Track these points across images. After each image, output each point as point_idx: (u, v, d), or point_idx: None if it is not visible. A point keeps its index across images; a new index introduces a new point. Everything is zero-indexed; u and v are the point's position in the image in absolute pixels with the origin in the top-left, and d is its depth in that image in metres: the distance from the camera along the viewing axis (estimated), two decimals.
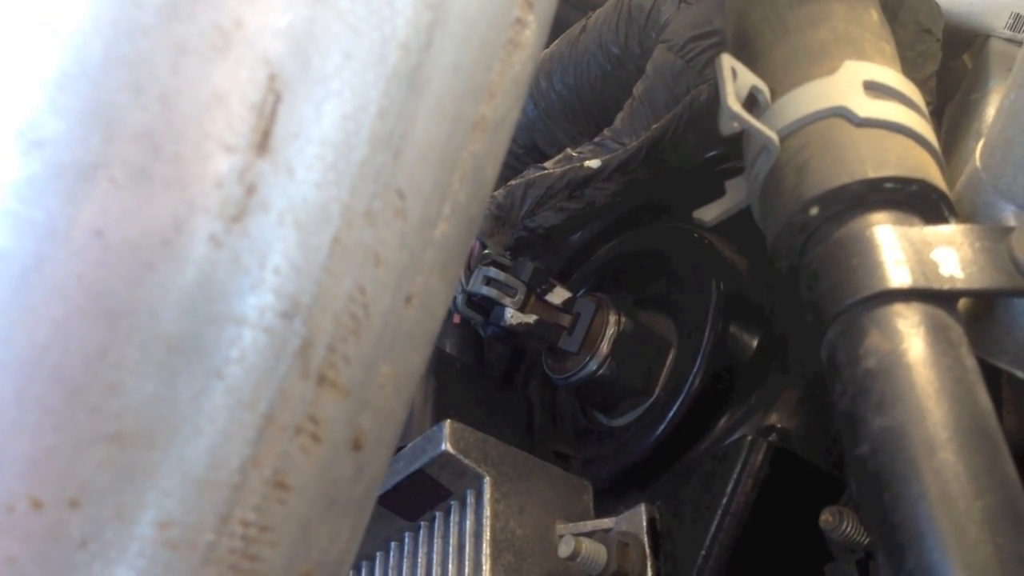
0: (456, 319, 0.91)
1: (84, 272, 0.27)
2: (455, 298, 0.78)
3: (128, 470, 0.28)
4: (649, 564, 0.64)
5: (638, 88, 0.79)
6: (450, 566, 0.67)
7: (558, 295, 0.79)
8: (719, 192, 0.63)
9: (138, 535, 0.28)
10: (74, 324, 0.27)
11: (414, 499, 0.71)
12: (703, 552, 0.63)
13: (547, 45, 0.92)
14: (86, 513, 0.27)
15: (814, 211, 0.51)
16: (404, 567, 0.73)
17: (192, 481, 0.29)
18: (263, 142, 0.30)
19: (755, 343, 0.75)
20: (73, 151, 0.27)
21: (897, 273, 0.46)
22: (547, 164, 0.81)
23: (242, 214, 0.29)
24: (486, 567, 0.64)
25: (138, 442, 0.28)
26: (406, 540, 0.74)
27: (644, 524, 0.66)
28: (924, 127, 0.54)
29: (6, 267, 0.27)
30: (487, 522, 0.65)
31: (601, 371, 0.77)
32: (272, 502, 0.31)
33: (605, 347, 0.77)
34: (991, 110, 0.68)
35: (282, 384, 0.30)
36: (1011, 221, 0.51)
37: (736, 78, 0.55)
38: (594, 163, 0.78)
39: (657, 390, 0.77)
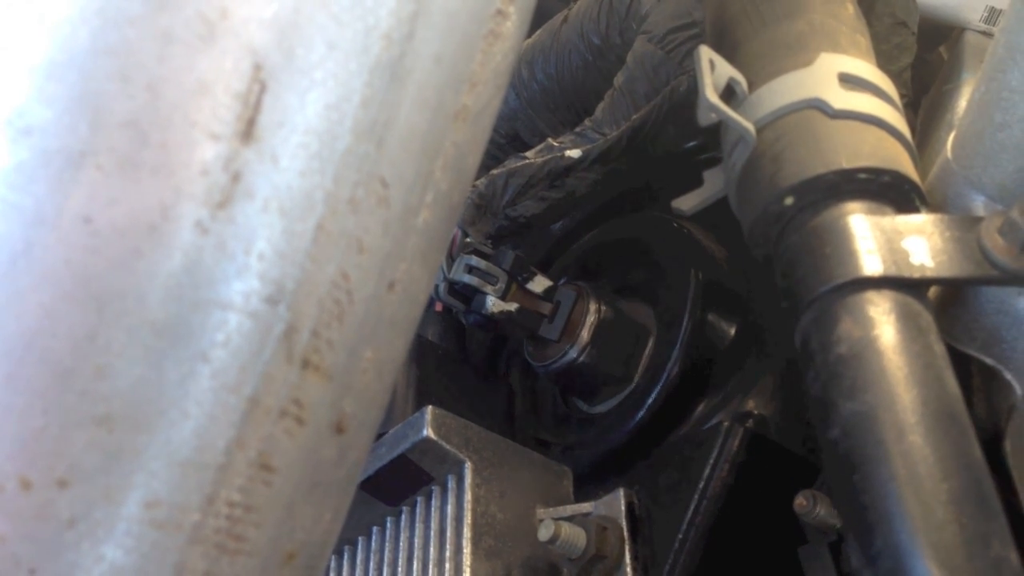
0: (438, 307, 0.92)
1: (72, 257, 0.28)
2: (437, 286, 0.79)
3: (116, 451, 0.28)
4: (627, 547, 0.65)
5: (619, 79, 0.79)
6: (431, 550, 0.68)
7: (539, 283, 0.80)
8: (697, 182, 0.64)
9: (125, 515, 0.28)
10: (62, 309, 0.28)
11: (396, 484, 0.72)
12: (680, 535, 0.64)
13: (529, 35, 0.93)
14: (74, 493, 0.28)
15: (789, 200, 0.52)
16: (386, 551, 0.74)
17: (178, 462, 0.29)
18: (248, 130, 0.30)
19: (732, 331, 0.76)
20: (61, 138, 0.28)
21: (869, 261, 0.47)
22: (528, 154, 0.82)
23: (227, 201, 0.30)
24: (467, 551, 0.65)
25: (125, 424, 0.28)
26: (388, 525, 0.75)
27: (623, 508, 0.67)
28: (897, 119, 0.55)
29: None
30: (468, 507, 0.66)
31: (581, 359, 0.78)
32: (257, 483, 0.31)
33: (585, 335, 0.78)
34: (963, 102, 0.70)
35: (267, 368, 0.31)
36: (980, 211, 0.52)
37: (714, 70, 0.56)
38: (575, 153, 0.78)
39: (636, 377, 0.78)
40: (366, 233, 0.33)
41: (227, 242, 0.30)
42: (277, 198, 0.31)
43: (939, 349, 0.46)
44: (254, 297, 0.30)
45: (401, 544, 0.72)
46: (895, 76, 0.62)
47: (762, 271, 0.57)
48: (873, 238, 0.48)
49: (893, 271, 0.47)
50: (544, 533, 0.65)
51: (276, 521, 0.32)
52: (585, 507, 0.69)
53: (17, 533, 0.27)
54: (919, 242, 0.48)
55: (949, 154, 0.54)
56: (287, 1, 0.31)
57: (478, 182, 0.81)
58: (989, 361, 0.51)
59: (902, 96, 0.59)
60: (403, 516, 0.74)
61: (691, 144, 0.77)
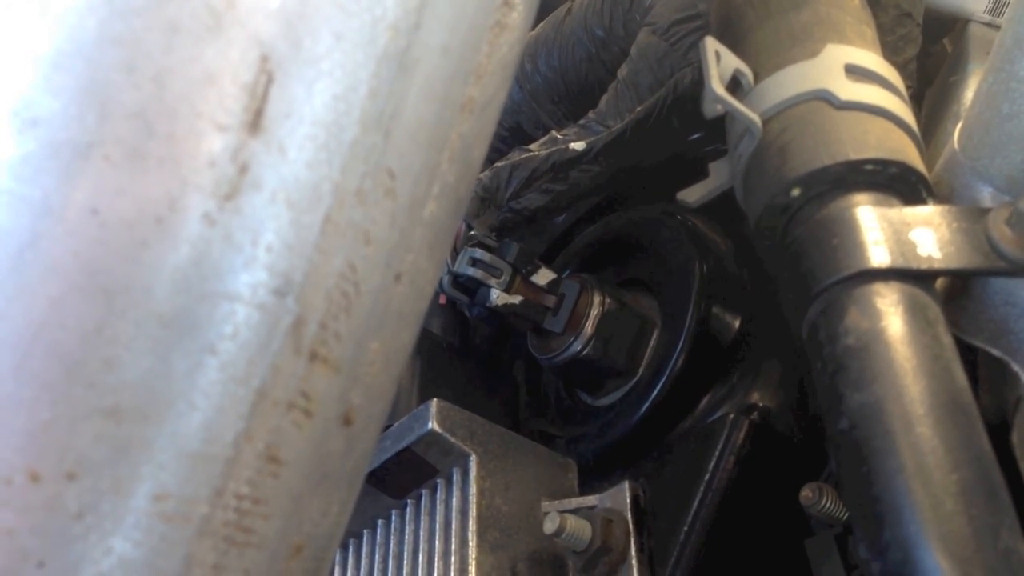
0: (442, 300, 0.92)
1: (80, 249, 0.28)
2: (441, 279, 0.78)
3: (124, 444, 0.28)
4: (633, 540, 0.65)
5: (623, 71, 0.79)
6: (437, 543, 0.68)
7: (543, 276, 0.79)
8: (703, 174, 0.64)
9: (134, 507, 0.28)
10: (70, 301, 0.27)
11: (401, 477, 0.72)
12: (686, 528, 0.64)
13: (532, 28, 0.93)
14: (83, 486, 0.28)
15: (796, 192, 0.52)
16: (391, 544, 0.74)
17: (187, 455, 0.29)
18: (255, 121, 0.30)
19: (737, 323, 0.76)
20: (68, 130, 0.28)
21: (876, 253, 0.47)
22: (532, 146, 0.81)
23: (235, 192, 0.30)
24: (472, 543, 0.65)
25: (134, 416, 0.28)
26: (393, 518, 0.75)
27: (628, 501, 0.67)
28: (904, 110, 0.54)
29: (2, 245, 0.27)
30: (473, 499, 0.66)
31: (585, 351, 0.78)
32: (265, 476, 0.31)
33: (589, 327, 0.78)
34: (970, 93, 0.69)
35: (275, 360, 0.31)
36: (988, 202, 0.52)
37: (720, 61, 0.55)
38: (579, 145, 0.78)
39: (641, 370, 0.78)
40: (373, 225, 0.33)
41: (234, 234, 0.30)
42: (284, 189, 0.31)
43: (947, 341, 0.45)
44: (262, 289, 0.30)
45: (406, 537, 0.72)
46: (900, 68, 0.61)
47: (768, 263, 0.57)
48: (880, 229, 0.48)
49: (900, 262, 0.47)
50: (549, 526, 0.65)
51: (284, 513, 0.32)
52: (590, 500, 0.69)
53: (26, 526, 0.27)
54: (926, 233, 0.48)
55: (956, 145, 0.54)
56: None
57: (482, 175, 0.81)
58: (996, 353, 0.51)
59: (907, 88, 0.59)
60: (408, 509, 0.74)
61: (696, 136, 0.77)
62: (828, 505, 0.59)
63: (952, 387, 0.43)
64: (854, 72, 0.54)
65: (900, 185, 0.52)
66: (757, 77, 0.57)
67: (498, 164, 0.82)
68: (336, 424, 0.34)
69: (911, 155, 0.52)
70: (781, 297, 0.53)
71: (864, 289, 0.46)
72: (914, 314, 0.45)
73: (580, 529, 0.65)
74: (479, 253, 0.77)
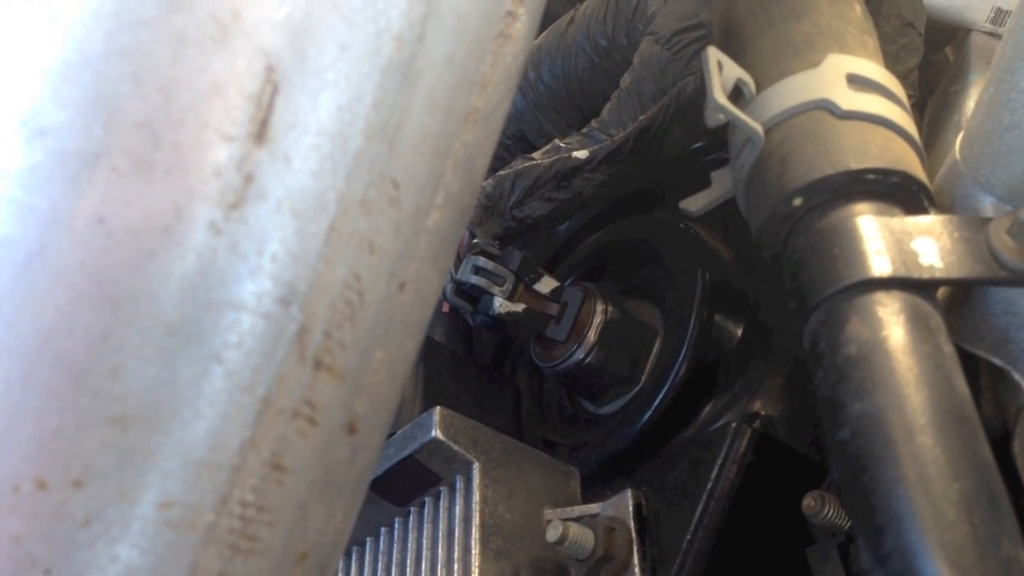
0: (445, 308, 0.92)
1: (87, 259, 0.28)
2: (444, 287, 0.79)
3: (130, 452, 0.28)
4: (635, 548, 0.65)
5: (625, 80, 0.79)
6: (440, 551, 0.68)
7: (546, 284, 0.80)
8: (705, 183, 0.64)
9: (140, 515, 0.29)
10: (77, 309, 0.28)
11: (404, 485, 0.72)
12: (688, 536, 0.64)
13: (535, 36, 0.93)
14: (89, 493, 0.28)
15: (797, 201, 0.52)
16: (394, 552, 0.74)
17: (192, 463, 0.29)
18: (261, 132, 0.30)
19: (739, 332, 0.76)
20: (75, 140, 0.28)
21: (878, 262, 0.47)
22: (535, 155, 0.82)
23: (240, 202, 0.30)
24: (475, 551, 0.65)
25: (140, 424, 0.29)
26: (396, 526, 0.75)
27: (630, 509, 0.67)
28: (905, 120, 0.55)
29: (10, 254, 0.27)
30: (476, 507, 0.66)
31: (588, 359, 0.78)
32: (270, 484, 0.31)
33: (592, 336, 0.78)
34: (971, 103, 0.70)
35: (280, 368, 0.31)
36: (989, 212, 0.52)
37: (722, 70, 0.56)
38: (582, 154, 0.78)
39: (643, 378, 0.78)
40: (377, 234, 0.34)
41: (240, 243, 0.30)
42: (289, 199, 0.31)
43: (948, 350, 0.45)
44: (267, 298, 0.31)
45: (409, 545, 0.72)
46: (902, 77, 0.61)
47: (770, 272, 0.57)
48: (882, 239, 0.48)
49: (902, 272, 0.47)
50: (552, 534, 0.65)
51: (289, 521, 0.32)
52: (593, 508, 0.69)
53: (33, 533, 0.27)
54: (928, 243, 0.48)
55: (957, 155, 0.54)
56: (299, 3, 0.31)
57: (485, 183, 0.81)
58: (998, 362, 0.51)
59: (909, 97, 0.59)
60: (411, 517, 0.74)
61: (698, 145, 0.77)
62: (830, 514, 0.59)
63: (954, 396, 0.43)
64: (856, 82, 0.54)
65: (901, 194, 0.52)
66: (759, 87, 0.57)
67: (501, 173, 0.82)
68: (340, 432, 0.34)
69: (912, 164, 0.52)
70: (783, 306, 0.53)
71: (865, 299, 0.47)
72: (915, 323, 0.46)
73: (583, 537, 0.65)
74: (482, 261, 0.78)
